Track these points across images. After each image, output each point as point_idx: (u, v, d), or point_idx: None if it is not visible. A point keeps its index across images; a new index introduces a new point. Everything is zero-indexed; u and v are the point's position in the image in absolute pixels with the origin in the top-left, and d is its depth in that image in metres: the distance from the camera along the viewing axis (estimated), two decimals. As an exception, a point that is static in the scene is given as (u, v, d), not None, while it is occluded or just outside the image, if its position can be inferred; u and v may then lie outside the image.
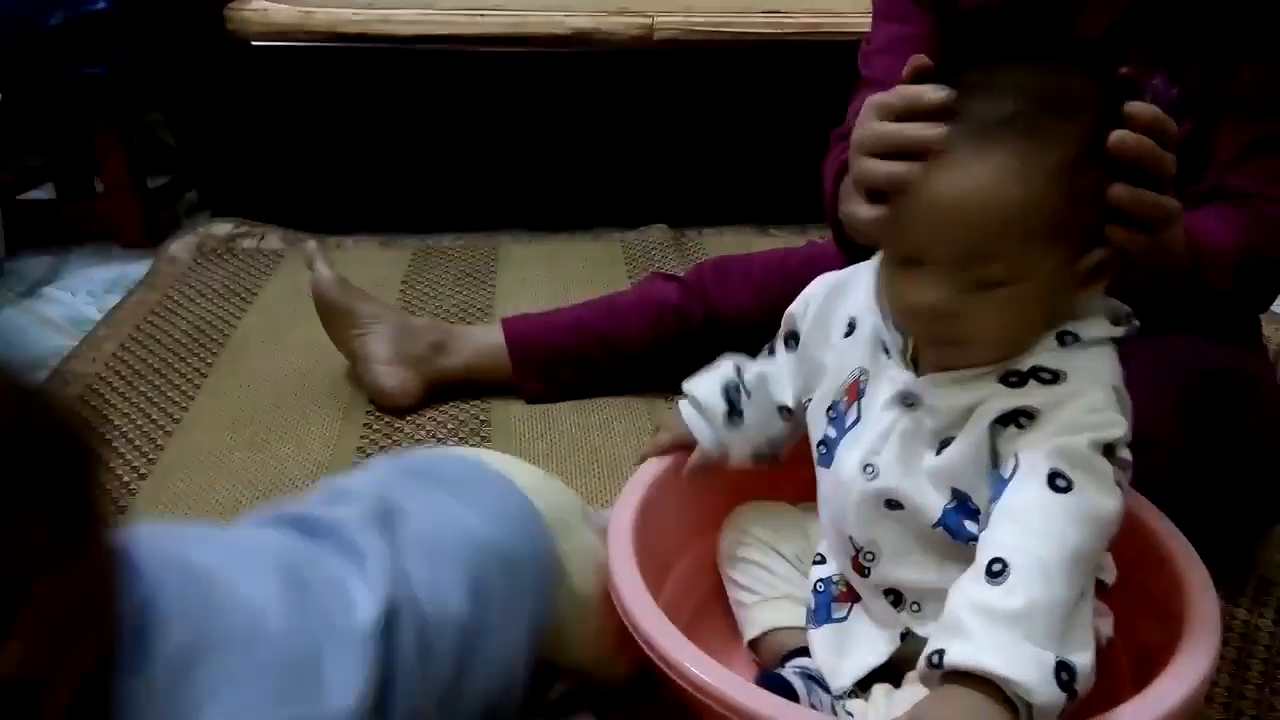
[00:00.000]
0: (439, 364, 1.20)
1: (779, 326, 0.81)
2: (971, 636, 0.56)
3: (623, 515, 0.76)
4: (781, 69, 1.73)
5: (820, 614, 0.76)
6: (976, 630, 0.56)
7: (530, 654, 0.67)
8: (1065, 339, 0.64)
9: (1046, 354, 0.64)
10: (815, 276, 0.80)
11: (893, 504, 0.68)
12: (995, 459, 0.63)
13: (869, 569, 0.71)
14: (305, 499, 0.68)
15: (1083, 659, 0.56)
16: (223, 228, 1.75)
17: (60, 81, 1.64)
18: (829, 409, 0.74)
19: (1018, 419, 0.63)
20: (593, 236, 1.77)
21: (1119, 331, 0.66)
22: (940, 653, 0.57)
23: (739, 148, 1.78)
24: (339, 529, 0.60)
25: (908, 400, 0.67)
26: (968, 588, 0.59)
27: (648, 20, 1.71)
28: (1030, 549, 0.58)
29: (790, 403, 0.79)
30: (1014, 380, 0.64)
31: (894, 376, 0.69)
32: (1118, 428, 0.62)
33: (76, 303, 1.58)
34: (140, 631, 0.46)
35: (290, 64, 1.71)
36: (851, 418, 0.71)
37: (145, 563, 0.48)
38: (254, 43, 1.69)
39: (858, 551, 0.71)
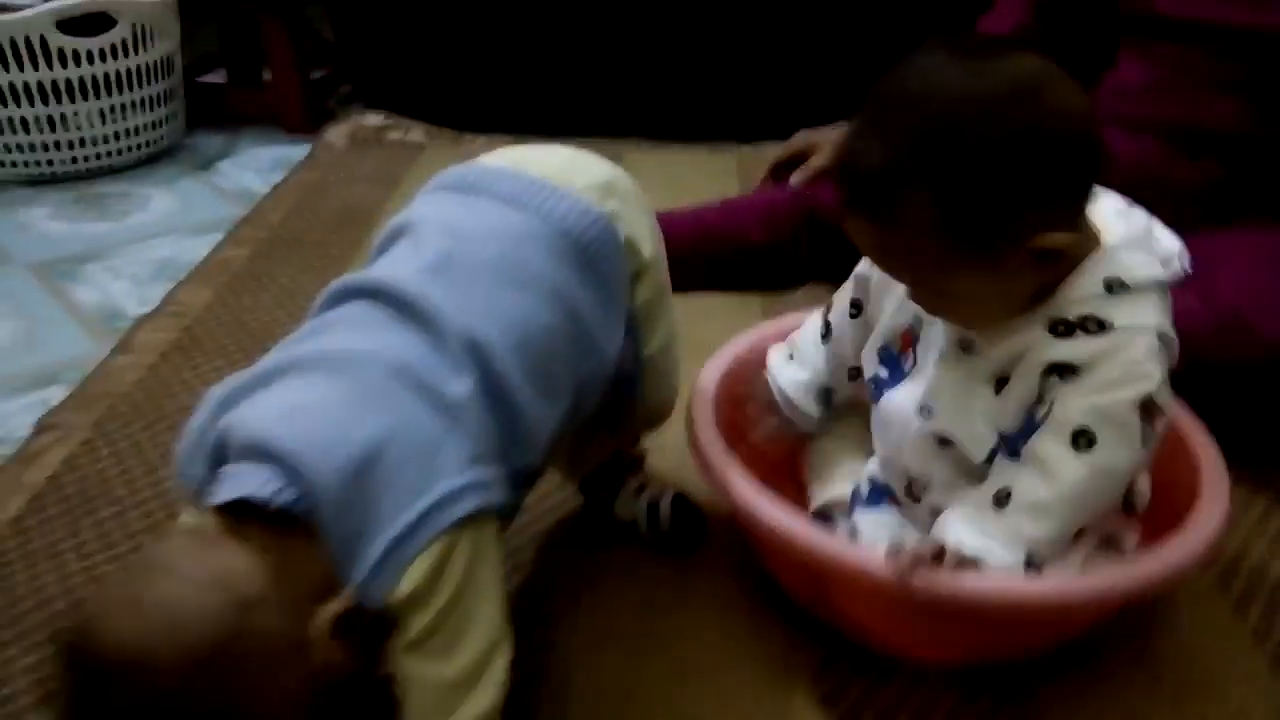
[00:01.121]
0: None
1: None
2: (959, 526, 0.69)
3: (708, 377, 0.88)
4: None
5: (867, 501, 0.84)
6: (964, 525, 0.69)
7: (625, 337, 0.75)
8: (1112, 286, 0.67)
9: (1094, 301, 0.67)
10: None
11: (945, 442, 0.73)
12: (1040, 404, 0.68)
13: (921, 496, 0.77)
14: (373, 254, 0.74)
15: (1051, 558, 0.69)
16: (373, 119, 1.92)
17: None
18: (881, 350, 0.79)
19: (1063, 371, 0.67)
20: (709, 148, 1.86)
21: (1166, 274, 0.69)
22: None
23: (861, 69, 1.83)
24: (411, 295, 0.64)
25: (965, 346, 0.72)
26: (970, 499, 0.70)
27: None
28: (1033, 489, 0.67)
29: (858, 363, 0.84)
30: (1061, 330, 0.67)
31: (948, 325, 0.73)
32: (1154, 381, 0.66)
33: (246, 178, 1.77)
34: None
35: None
36: (908, 362, 0.77)
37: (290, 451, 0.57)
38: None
39: (912, 481, 0.78)
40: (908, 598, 0.66)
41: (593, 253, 0.71)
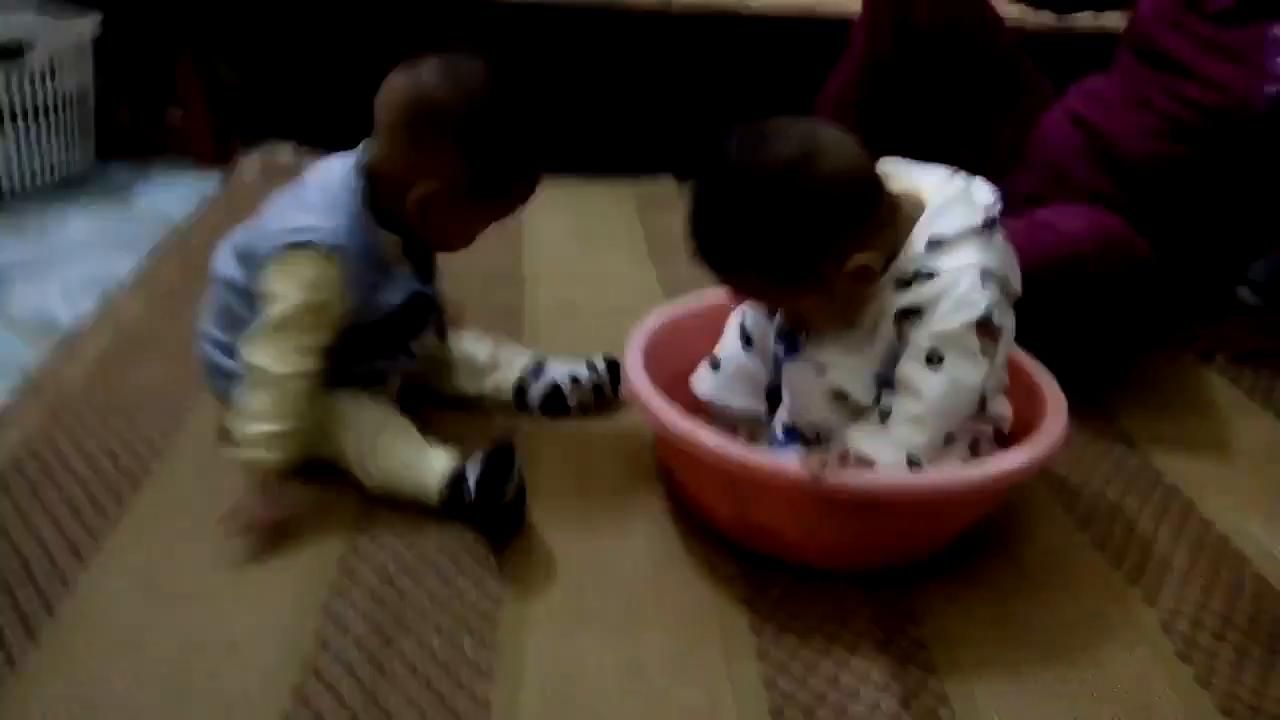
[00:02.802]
0: None
1: None
2: (856, 439, 0.86)
3: (637, 333, 1.03)
4: (778, 41, 1.98)
5: (782, 441, 0.98)
6: (859, 437, 0.85)
7: None
8: (934, 243, 0.84)
9: (922, 258, 0.84)
10: None
11: (839, 395, 0.91)
12: (901, 344, 0.86)
13: (826, 442, 0.93)
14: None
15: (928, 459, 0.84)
16: (283, 151, 1.99)
17: (154, 11, 1.90)
18: (779, 329, 0.97)
19: (910, 314, 0.85)
20: (608, 182, 2.01)
21: (982, 217, 0.85)
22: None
23: (742, 110, 2.02)
24: None
25: None
26: (864, 420, 0.87)
27: (668, -8, 1.95)
28: (907, 407, 0.84)
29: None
30: (903, 284, 0.85)
31: None
32: (981, 307, 0.83)
33: (160, 203, 1.82)
34: None
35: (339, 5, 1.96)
36: (801, 337, 0.94)
37: None
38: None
39: (818, 432, 0.94)
40: (819, 491, 0.81)
41: None
